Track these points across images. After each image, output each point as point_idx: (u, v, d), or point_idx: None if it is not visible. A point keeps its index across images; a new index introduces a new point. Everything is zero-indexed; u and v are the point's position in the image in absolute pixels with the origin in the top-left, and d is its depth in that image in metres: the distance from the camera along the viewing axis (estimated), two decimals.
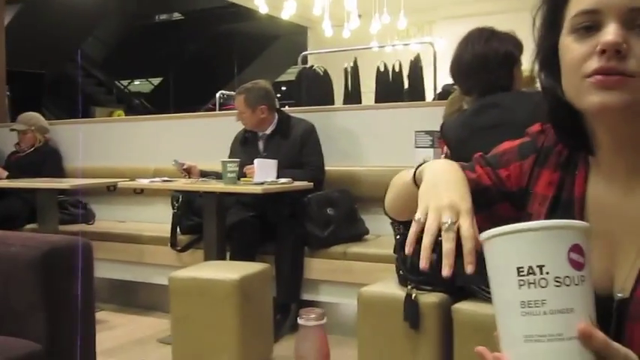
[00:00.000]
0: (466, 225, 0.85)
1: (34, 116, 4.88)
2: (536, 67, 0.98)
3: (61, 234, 3.52)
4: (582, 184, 0.97)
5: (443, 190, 0.92)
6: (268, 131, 3.85)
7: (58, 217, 4.16)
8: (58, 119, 5.14)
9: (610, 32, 0.83)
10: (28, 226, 4.38)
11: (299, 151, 3.76)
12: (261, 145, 3.87)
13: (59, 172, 4.76)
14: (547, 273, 0.70)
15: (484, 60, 2.36)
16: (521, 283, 0.71)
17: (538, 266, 0.70)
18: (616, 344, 0.71)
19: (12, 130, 4.83)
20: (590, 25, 0.86)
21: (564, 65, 0.90)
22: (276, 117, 3.87)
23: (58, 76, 10.75)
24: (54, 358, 1.96)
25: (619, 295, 0.88)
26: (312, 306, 3.66)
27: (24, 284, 1.99)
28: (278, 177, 3.52)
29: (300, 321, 1.08)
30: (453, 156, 2.97)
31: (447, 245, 0.84)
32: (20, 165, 4.69)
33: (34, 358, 1.90)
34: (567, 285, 0.70)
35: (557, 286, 0.70)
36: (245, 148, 3.91)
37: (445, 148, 3.38)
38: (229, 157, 3.87)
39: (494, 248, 0.75)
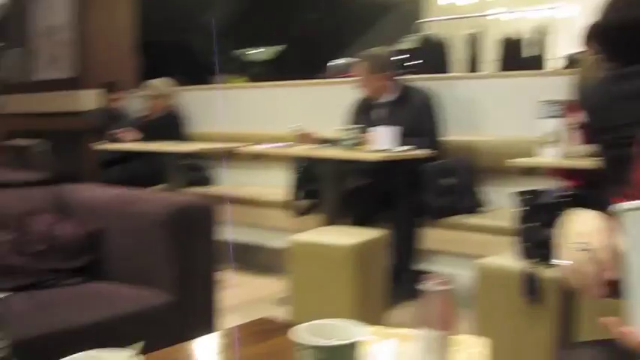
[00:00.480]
0: None
1: (163, 82, 5.11)
2: None
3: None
4: None
5: None
6: (388, 99, 3.83)
7: (184, 180, 4.35)
8: (184, 85, 5.35)
9: None
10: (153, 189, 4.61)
11: (418, 119, 3.73)
12: (379, 112, 3.86)
13: (183, 137, 4.97)
14: None
15: (634, 25, 2.23)
16: None
17: None
18: None
19: (142, 95, 5.09)
20: None
21: None
22: (397, 85, 3.84)
23: (183, 45, 11.14)
24: (185, 309, 2.08)
25: None
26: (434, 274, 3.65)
27: (156, 240, 2.11)
28: (396, 145, 3.50)
29: (424, 286, 1.08)
30: (594, 123, 2.85)
31: None
32: (149, 129, 4.94)
33: (168, 308, 2.02)
34: None
35: None
36: (363, 115, 3.91)
37: (581, 115, 3.24)
38: (349, 124, 3.90)
39: (637, 219, 0.71)
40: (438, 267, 3.62)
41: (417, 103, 3.75)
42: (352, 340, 0.95)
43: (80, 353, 0.99)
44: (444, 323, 1.09)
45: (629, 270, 0.73)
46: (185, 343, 1.38)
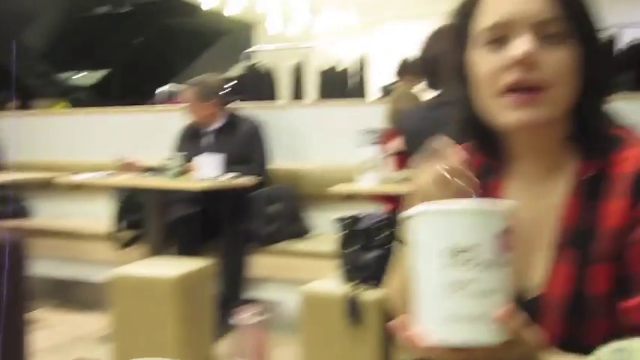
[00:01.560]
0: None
1: None
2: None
3: None
4: (499, 190, 0.99)
5: None
6: (215, 126, 3.81)
7: None
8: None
9: (521, 44, 0.84)
10: None
11: (245, 147, 3.74)
12: (207, 140, 3.83)
13: None
14: (477, 254, 0.70)
15: (435, 59, 2.41)
16: (451, 263, 0.70)
17: (469, 247, 0.70)
18: (534, 328, 0.73)
19: None
20: (501, 38, 0.87)
21: (476, 79, 0.90)
22: (225, 112, 3.84)
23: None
24: None
25: (532, 294, 0.91)
26: (255, 303, 3.65)
27: None
28: (223, 173, 3.49)
29: (237, 319, 1.07)
30: (409, 145, 3.02)
31: None
32: None
33: None
34: (494, 267, 0.71)
35: (485, 267, 0.70)
36: (191, 142, 3.86)
37: (397, 140, 3.42)
38: (174, 152, 3.82)
39: (424, 225, 0.74)
40: (266, 294, 3.63)
41: (244, 131, 3.77)
42: None
43: None
44: (258, 355, 1.08)
45: (414, 273, 0.75)
46: None
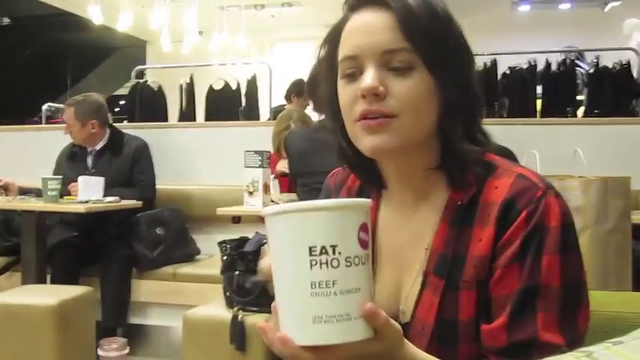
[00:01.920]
0: None
1: None
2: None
3: None
4: (374, 212, 1.01)
5: None
6: (98, 147, 3.68)
7: None
8: None
9: (367, 77, 0.87)
10: None
11: (130, 168, 3.64)
12: (90, 160, 3.70)
13: None
14: (339, 253, 0.69)
15: (314, 81, 2.45)
16: (313, 263, 0.69)
17: (331, 246, 0.69)
18: (394, 323, 0.74)
19: None
20: (354, 71, 0.90)
21: (341, 108, 0.93)
22: (108, 132, 3.72)
23: None
24: None
25: (403, 319, 0.93)
26: (140, 330, 3.53)
27: None
28: (105, 195, 3.38)
29: (99, 352, 1.03)
30: (294, 167, 3.04)
31: None
32: None
33: None
34: (356, 264, 0.70)
35: (348, 266, 0.69)
36: (73, 163, 3.71)
37: (282, 162, 3.44)
38: (55, 172, 3.68)
39: (284, 225, 0.72)
40: (153, 320, 3.54)
41: (129, 152, 3.66)
42: None
43: None
44: None
45: (275, 275, 0.73)
46: None
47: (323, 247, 0.69)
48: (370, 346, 0.71)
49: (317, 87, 2.60)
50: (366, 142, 0.89)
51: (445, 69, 0.88)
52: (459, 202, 0.91)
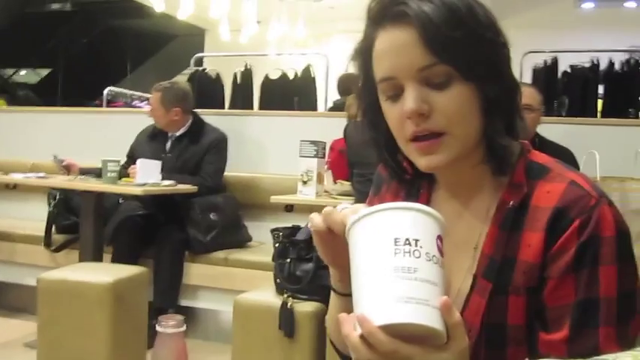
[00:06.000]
0: None
1: None
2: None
3: None
4: (426, 202, 1.01)
5: None
6: (178, 133, 3.76)
7: None
8: None
9: (409, 100, 0.86)
10: None
11: (202, 157, 3.70)
12: (169, 144, 3.78)
13: None
14: (421, 247, 0.74)
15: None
16: (397, 251, 0.74)
17: (414, 239, 0.75)
18: (464, 330, 0.75)
19: None
20: (395, 92, 0.89)
21: (391, 129, 0.93)
22: (190, 120, 3.78)
23: None
24: None
25: None
26: (191, 312, 3.60)
27: None
28: (162, 179, 3.45)
29: (158, 328, 1.06)
30: (352, 156, 3.05)
31: None
32: None
33: None
34: (435, 263, 0.75)
35: (428, 260, 0.74)
36: (152, 143, 3.80)
37: (334, 155, 3.44)
38: (133, 147, 3.81)
39: (373, 222, 0.77)
40: (203, 303, 3.60)
41: (206, 142, 3.71)
42: None
43: None
44: None
45: (356, 270, 0.78)
46: None
47: (407, 239, 0.75)
48: (443, 344, 0.73)
49: (349, 92, 2.58)
50: (421, 162, 0.90)
51: (479, 69, 0.87)
52: (511, 203, 0.90)
